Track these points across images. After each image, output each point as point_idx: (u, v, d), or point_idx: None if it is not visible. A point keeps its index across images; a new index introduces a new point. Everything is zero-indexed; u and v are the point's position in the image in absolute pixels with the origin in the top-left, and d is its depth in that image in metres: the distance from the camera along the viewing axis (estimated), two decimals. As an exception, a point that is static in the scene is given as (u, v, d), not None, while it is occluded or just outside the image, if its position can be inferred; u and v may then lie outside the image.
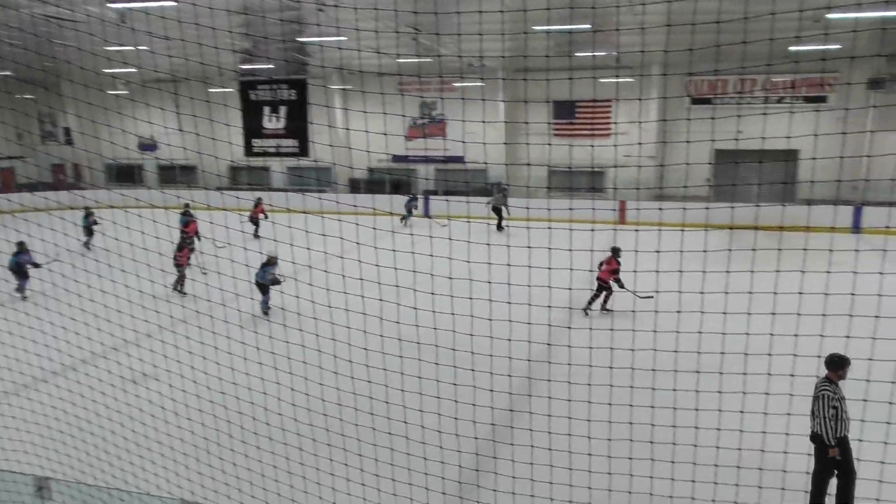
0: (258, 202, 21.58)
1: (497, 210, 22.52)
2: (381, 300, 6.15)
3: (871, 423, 5.26)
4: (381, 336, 6.05)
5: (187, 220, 17.09)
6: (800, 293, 5.15)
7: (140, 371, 7.83)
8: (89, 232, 18.93)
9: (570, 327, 7.26)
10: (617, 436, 5.86)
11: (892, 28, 18.44)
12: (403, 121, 29.91)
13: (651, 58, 24.85)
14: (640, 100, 26.73)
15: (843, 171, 20.95)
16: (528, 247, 5.64)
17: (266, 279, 12.52)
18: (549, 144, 27.34)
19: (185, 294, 14.15)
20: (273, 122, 29.37)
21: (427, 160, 30.34)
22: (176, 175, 31.72)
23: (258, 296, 12.43)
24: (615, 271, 12.46)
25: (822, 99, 24.69)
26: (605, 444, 5.85)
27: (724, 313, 5.14)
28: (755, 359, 6.65)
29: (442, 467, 5.96)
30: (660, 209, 5.84)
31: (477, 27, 6.30)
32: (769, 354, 5.78)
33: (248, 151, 29.67)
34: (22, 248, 14.04)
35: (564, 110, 27.57)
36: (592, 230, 5.87)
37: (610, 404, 5.76)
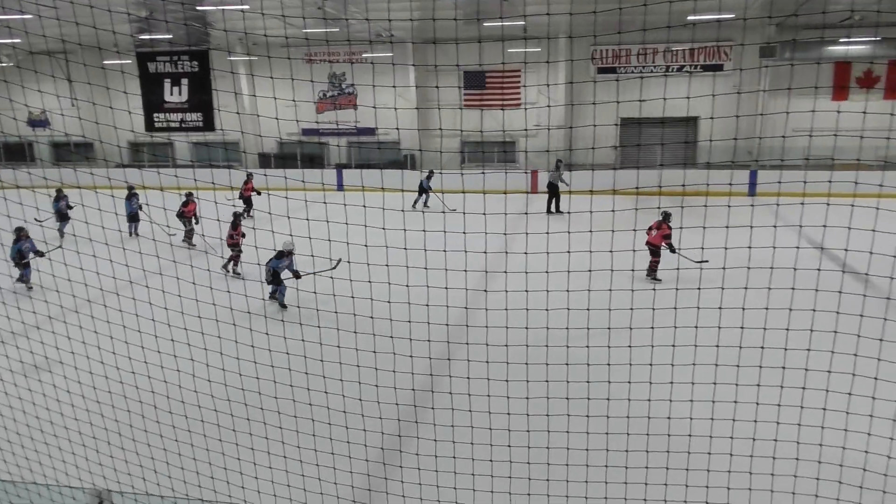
0: (249, 178, 20.68)
1: (553, 187, 20.57)
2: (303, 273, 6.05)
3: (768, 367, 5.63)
4: (299, 307, 5.97)
5: (187, 201, 16.43)
6: (701, 248, 5.44)
7: (43, 356, 7.44)
8: (62, 217, 17.41)
9: (486, 290, 7.37)
10: (535, 394, 6.04)
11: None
12: (313, 93, 29.27)
13: (557, 28, 25.26)
14: (548, 62, 27.11)
15: (738, 135, 22.08)
16: (443, 212, 5.67)
17: (281, 268, 11.64)
18: (461, 108, 27.42)
19: (238, 275, 13.82)
20: (175, 95, 28.15)
21: (339, 133, 29.88)
22: (71, 152, 30.02)
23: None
24: (668, 236, 12.56)
25: (718, 67, 25.80)
26: (524, 402, 6.03)
27: (633, 270, 5.35)
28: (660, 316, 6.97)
29: (364, 435, 5.99)
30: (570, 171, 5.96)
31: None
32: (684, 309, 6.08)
33: (150, 126, 28.36)
34: (21, 234, 12.86)
35: (474, 80, 27.69)
36: (505, 194, 5.96)
37: (526, 363, 5.92)
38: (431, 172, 22.21)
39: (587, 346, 5.91)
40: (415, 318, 6.08)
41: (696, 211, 6.08)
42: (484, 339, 5.84)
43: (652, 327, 5.47)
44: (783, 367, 5.39)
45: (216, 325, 6.28)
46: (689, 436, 5.72)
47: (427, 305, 5.60)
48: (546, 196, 20.63)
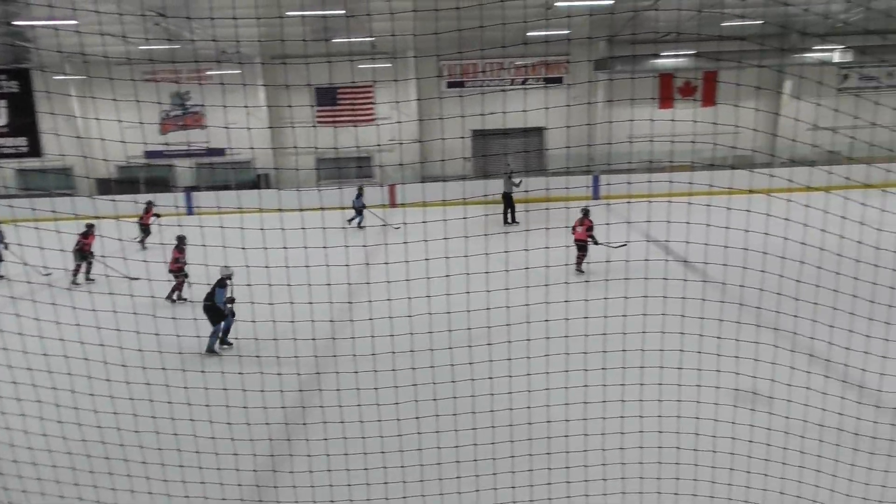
0: (149, 206, 18.92)
1: (507, 197, 19.91)
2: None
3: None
4: (156, 335, 5.74)
5: (87, 233, 14.82)
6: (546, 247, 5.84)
7: None
8: None
9: (350, 302, 7.43)
10: (404, 398, 6.17)
11: (611, 14, 20.97)
12: (155, 113, 27.86)
13: (406, 44, 25.78)
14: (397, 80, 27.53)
15: (580, 143, 23.56)
16: (303, 228, 5.69)
17: (223, 302, 9.95)
18: (316, 126, 27.17)
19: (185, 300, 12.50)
20: (-9, 118, 25.78)
21: (186, 154, 28.62)
22: None
23: None
24: (590, 229, 13.48)
25: (558, 80, 27.42)
26: (394, 408, 6.15)
27: (486, 272, 5.65)
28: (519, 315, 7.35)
29: (235, 459, 5.86)
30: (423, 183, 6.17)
31: (226, 11, 6.16)
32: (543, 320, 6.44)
33: (-37, 153, 25.81)
34: None
35: (326, 97, 27.61)
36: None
37: (394, 370, 6.05)
38: (361, 189, 20.96)
39: (449, 348, 6.13)
40: (281, 336, 6.03)
41: (551, 214, 6.49)
42: (351, 351, 5.90)
43: (507, 324, 5.78)
44: (641, 353, 5.87)
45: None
46: (548, 421, 6.07)
47: (292, 321, 5.58)
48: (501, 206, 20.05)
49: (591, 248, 13.47)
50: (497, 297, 6.21)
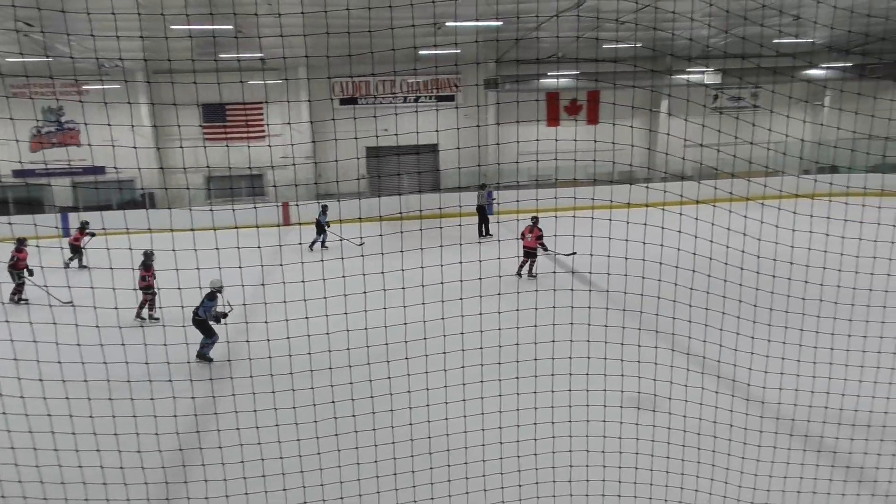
0: (83, 226, 17.55)
1: (481, 210, 20.20)
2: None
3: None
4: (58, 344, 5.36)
5: (20, 248, 14.00)
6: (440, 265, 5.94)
7: None
8: None
9: (247, 322, 7.23)
10: (303, 419, 6.07)
11: (500, 37, 21.61)
12: (24, 130, 26.06)
13: (297, 60, 25.49)
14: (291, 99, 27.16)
15: (473, 161, 24.04)
16: (195, 249, 5.51)
17: (210, 315, 9.87)
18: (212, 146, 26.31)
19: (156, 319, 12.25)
20: None
21: (64, 172, 26.94)
22: None
23: None
24: (541, 237, 14.01)
25: (451, 98, 27.92)
26: (293, 428, 6.03)
27: (384, 290, 5.67)
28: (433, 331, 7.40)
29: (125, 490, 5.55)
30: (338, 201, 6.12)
31: (103, 25, 5.90)
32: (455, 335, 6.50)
33: None
34: None
35: (214, 113, 26.82)
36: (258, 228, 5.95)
37: (293, 390, 5.94)
38: (325, 207, 20.02)
39: (349, 366, 6.09)
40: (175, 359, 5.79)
41: (450, 229, 6.60)
42: (248, 372, 5.74)
43: (405, 341, 5.82)
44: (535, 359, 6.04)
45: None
46: (442, 417, 6.14)
47: (186, 344, 5.37)
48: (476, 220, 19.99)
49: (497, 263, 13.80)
50: (398, 313, 6.24)
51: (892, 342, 6.72)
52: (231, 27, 16.88)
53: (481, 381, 5.95)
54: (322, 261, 5.63)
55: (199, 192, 26.31)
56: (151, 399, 5.50)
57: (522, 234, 14.35)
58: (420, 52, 20.93)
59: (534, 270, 14.46)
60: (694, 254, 6.24)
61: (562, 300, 6.39)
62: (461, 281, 5.92)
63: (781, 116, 22.32)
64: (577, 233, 6.29)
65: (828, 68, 26.48)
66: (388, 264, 6.13)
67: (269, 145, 26.08)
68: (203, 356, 10.15)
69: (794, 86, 26.40)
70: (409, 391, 6.01)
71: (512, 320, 6.17)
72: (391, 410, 6.05)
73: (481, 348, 6.00)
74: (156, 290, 12.28)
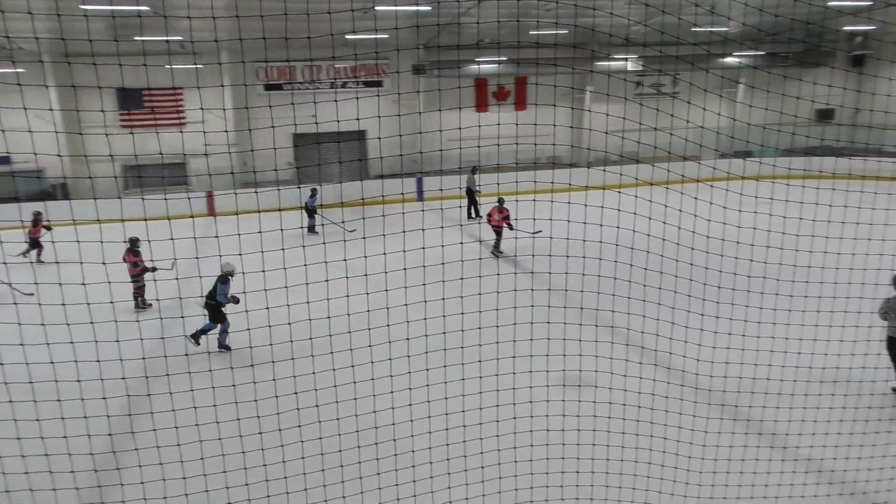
0: (37, 217, 16.63)
1: (470, 192, 19.58)
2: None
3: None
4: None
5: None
6: (384, 254, 5.87)
7: None
8: None
9: (183, 316, 6.97)
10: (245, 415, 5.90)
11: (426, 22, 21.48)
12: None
13: (220, 44, 24.62)
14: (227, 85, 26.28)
15: (402, 147, 23.90)
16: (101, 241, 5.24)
17: (227, 299, 9.56)
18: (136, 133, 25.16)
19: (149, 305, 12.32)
20: None
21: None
22: None
23: None
24: (507, 217, 14.88)
25: (379, 83, 27.60)
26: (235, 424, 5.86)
27: (328, 280, 5.55)
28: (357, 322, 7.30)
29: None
30: (256, 192, 5.93)
31: (6, 4, 5.50)
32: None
33: None
34: None
35: (131, 100, 25.64)
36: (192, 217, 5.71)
37: (234, 385, 5.77)
38: (314, 191, 19.63)
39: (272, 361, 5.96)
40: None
41: (379, 218, 6.50)
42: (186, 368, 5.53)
43: (329, 335, 5.73)
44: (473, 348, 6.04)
45: None
46: (392, 424, 6.10)
47: (117, 341, 5.12)
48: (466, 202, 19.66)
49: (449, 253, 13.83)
50: (341, 303, 6.14)
51: (798, 314, 7.08)
52: (146, 7, 16.14)
53: (426, 370, 5.92)
54: (283, 249, 5.47)
55: (114, 182, 25.16)
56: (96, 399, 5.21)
57: (489, 216, 15.25)
58: (347, 37, 20.55)
59: (500, 247, 15.40)
60: (635, 231, 6.40)
61: (505, 285, 6.44)
62: (405, 269, 5.87)
63: (700, 102, 23.14)
64: (520, 216, 6.32)
65: (742, 56, 27.60)
66: (332, 254, 6.01)
67: (183, 131, 25.16)
68: (222, 344, 9.72)
69: (711, 73, 27.39)
70: (353, 382, 5.94)
71: (457, 307, 6.16)
72: (336, 402, 5.94)
73: (426, 336, 5.97)
74: (144, 281, 12.39)
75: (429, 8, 18.61)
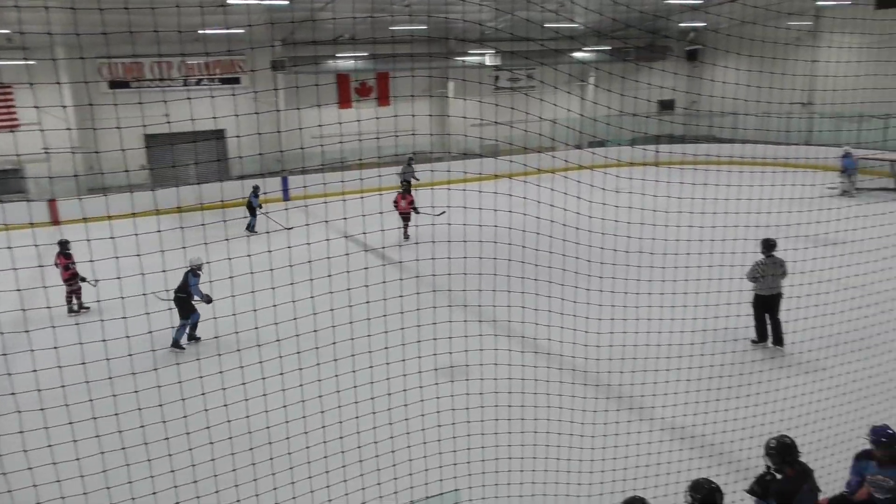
0: None
1: (407, 185, 19.70)
2: None
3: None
4: None
5: None
6: (249, 255, 5.74)
7: None
8: None
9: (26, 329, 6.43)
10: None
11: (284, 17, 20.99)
12: None
13: (55, 38, 22.77)
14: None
15: (263, 146, 23.23)
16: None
17: (200, 293, 9.90)
18: None
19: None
20: None
21: None
22: None
23: None
24: (412, 202, 15.91)
25: (236, 80, 26.65)
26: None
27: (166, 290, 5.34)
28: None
29: None
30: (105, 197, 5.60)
31: None
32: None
33: None
34: None
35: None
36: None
37: (91, 400, 5.44)
38: (256, 188, 19.42)
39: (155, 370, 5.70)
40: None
41: (233, 219, 6.34)
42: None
43: (215, 337, 5.55)
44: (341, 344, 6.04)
45: None
46: (286, 422, 5.99)
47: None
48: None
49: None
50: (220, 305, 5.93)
51: (668, 289, 7.65)
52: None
53: (299, 369, 5.86)
54: (161, 251, 5.20)
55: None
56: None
57: (396, 203, 16.07)
58: (199, 32, 19.65)
59: (407, 232, 16.45)
60: (495, 226, 6.63)
61: (374, 278, 6.48)
62: (271, 270, 5.76)
63: (556, 95, 24.26)
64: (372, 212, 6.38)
65: (591, 51, 29.16)
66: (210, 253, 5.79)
67: (14, 131, 23.14)
68: (177, 343, 10.02)
69: (562, 67, 28.73)
70: (222, 388, 5.76)
71: (327, 304, 6.13)
72: (205, 410, 5.76)
73: (297, 335, 5.91)
74: (82, 277, 12.08)
75: (286, 2, 18.21)
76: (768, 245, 9.33)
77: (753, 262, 9.19)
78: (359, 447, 6.04)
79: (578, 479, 6.22)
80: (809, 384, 7.54)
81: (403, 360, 6.38)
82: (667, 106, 30.06)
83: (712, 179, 8.87)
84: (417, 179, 21.51)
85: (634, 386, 7.33)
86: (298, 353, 5.93)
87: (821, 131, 23.60)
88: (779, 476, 4.84)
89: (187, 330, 10.26)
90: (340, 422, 6.00)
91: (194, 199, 18.06)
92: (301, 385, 5.84)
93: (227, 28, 20.38)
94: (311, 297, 5.87)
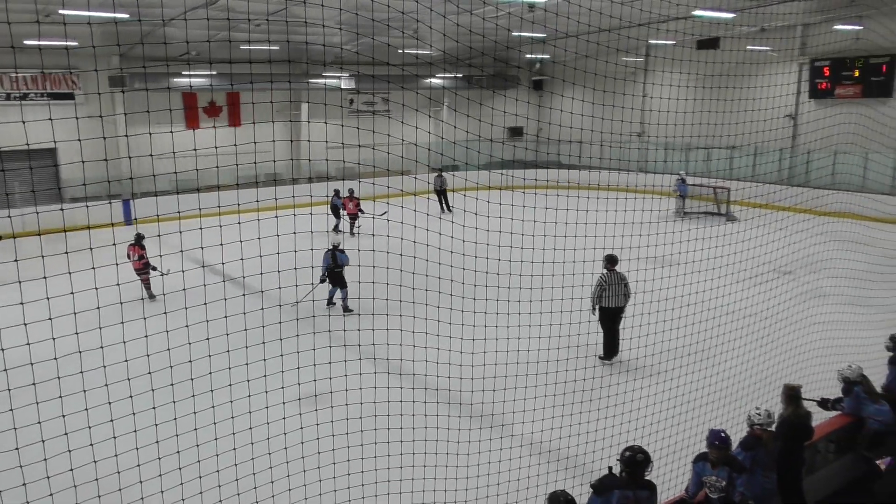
0: None
1: (440, 193, 22.96)
2: None
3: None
4: None
5: None
6: (96, 288, 5.34)
7: None
8: None
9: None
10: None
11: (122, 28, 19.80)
12: None
13: None
14: None
15: (100, 168, 21.68)
16: None
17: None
18: None
19: None
20: None
21: None
22: None
23: None
24: (358, 204, 19.31)
25: (69, 95, 24.75)
26: None
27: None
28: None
29: None
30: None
31: None
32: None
33: None
34: None
35: None
36: None
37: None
38: (337, 191, 20.77)
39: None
40: None
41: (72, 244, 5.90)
42: None
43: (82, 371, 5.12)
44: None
45: None
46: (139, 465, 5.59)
47: None
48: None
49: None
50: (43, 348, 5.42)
51: (524, 309, 7.98)
52: None
53: (153, 408, 5.52)
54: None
55: None
56: None
57: (344, 205, 19.94)
58: (26, 43, 18.06)
59: (355, 229, 19.50)
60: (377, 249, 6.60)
61: (234, 308, 6.24)
62: (121, 303, 5.40)
63: (413, 118, 24.69)
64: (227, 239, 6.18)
65: (444, 78, 29.98)
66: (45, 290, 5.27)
67: None
68: (347, 308, 11.72)
69: (418, 92, 29.30)
70: (65, 433, 5.30)
71: (184, 337, 5.82)
72: (44, 460, 5.26)
73: (150, 373, 5.56)
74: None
75: (126, 16, 17.23)
76: (611, 260, 10.07)
77: (597, 282, 9.89)
78: (219, 486, 5.77)
79: (444, 498, 6.31)
80: (658, 394, 8.13)
81: (266, 392, 6.19)
82: (516, 132, 31.50)
83: (562, 204, 9.40)
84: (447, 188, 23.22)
85: (495, 404, 7.56)
86: (153, 390, 5.58)
87: (655, 161, 25.76)
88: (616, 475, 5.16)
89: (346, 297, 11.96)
90: (199, 461, 5.70)
91: (20, 224, 16.49)
92: (156, 424, 5.50)
93: (66, 39, 18.91)
94: (167, 331, 5.56)
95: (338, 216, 20.96)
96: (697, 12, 18.35)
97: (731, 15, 18.65)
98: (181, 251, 6.09)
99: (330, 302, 12.24)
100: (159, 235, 7.00)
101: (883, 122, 21.48)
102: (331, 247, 12.04)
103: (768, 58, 24.78)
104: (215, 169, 7.10)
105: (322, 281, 11.70)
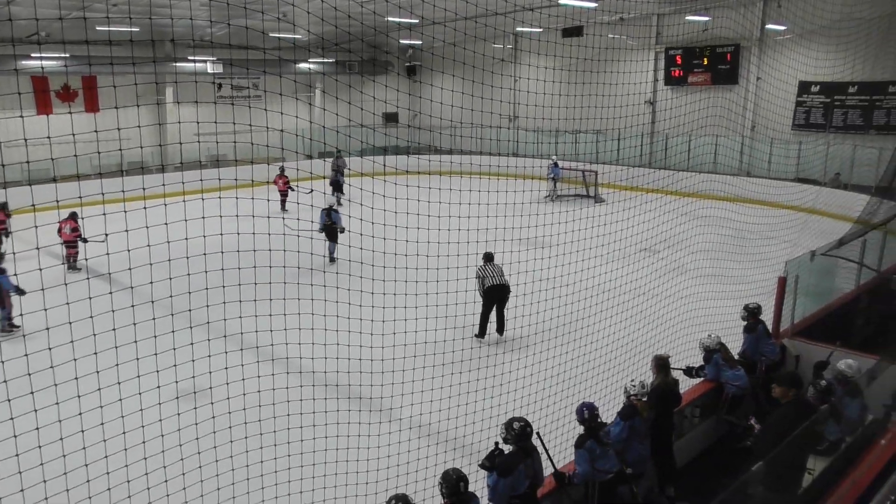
0: None
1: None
2: None
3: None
4: None
5: None
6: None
7: None
8: None
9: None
10: None
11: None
12: None
13: None
14: None
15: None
16: None
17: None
18: None
19: None
20: None
21: None
22: None
23: None
24: (287, 182, 19.97)
25: None
26: None
27: None
28: None
29: None
30: None
31: None
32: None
33: None
34: None
35: None
36: None
37: None
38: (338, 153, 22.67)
39: None
40: None
41: None
42: None
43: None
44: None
45: None
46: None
47: None
48: None
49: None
50: None
51: (383, 300, 7.97)
52: None
53: (10, 419, 5.09)
54: None
55: None
56: None
57: (274, 182, 20.13)
58: None
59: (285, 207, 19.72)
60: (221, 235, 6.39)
61: (102, 307, 5.86)
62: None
63: (284, 104, 23.98)
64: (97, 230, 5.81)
65: (317, 62, 29.35)
66: None
67: None
68: (332, 258, 14.27)
69: (289, 77, 28.49)
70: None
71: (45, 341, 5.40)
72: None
73: (4, 381, 5.12)
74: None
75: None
76: (488, 257, 11.02)
77: (476, 270, 10.41)
78: (89, 497, 5.44)
79: (335, 490, 6.27)
80: (539, 372, 8.41)
81: (140, 394, 5.88)
82: (391, 118, 31.43)
83: (438, 188, 9.48)
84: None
85: (381, 387, 7.57)
86: (9, 400, 5.15)
87: (527, 143, 26.56)
88: (505, 451, 5.42)
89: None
90: (65, 473, 5.32)
91: None
92: (15, 436, 5.07)
93: None
94: (23, 335, 5.14)
95: (339, 189, 22.43)
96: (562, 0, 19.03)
97: (593, 4, 19.45)
98: (37, 248, 5.60)
99: (331, 260, 14.30)
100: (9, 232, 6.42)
101: (729, 108, 23.29)
102: (326, 206, 14.50)
103: (627, 45, 26.14)
104: (73, 157, 6.57)
105: (320, 230, 14.04)
